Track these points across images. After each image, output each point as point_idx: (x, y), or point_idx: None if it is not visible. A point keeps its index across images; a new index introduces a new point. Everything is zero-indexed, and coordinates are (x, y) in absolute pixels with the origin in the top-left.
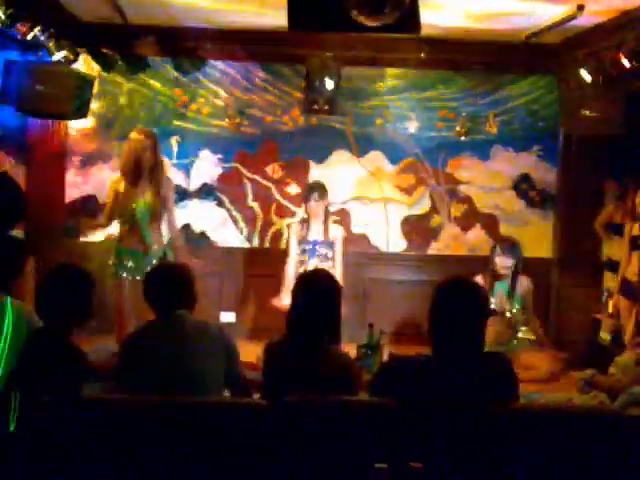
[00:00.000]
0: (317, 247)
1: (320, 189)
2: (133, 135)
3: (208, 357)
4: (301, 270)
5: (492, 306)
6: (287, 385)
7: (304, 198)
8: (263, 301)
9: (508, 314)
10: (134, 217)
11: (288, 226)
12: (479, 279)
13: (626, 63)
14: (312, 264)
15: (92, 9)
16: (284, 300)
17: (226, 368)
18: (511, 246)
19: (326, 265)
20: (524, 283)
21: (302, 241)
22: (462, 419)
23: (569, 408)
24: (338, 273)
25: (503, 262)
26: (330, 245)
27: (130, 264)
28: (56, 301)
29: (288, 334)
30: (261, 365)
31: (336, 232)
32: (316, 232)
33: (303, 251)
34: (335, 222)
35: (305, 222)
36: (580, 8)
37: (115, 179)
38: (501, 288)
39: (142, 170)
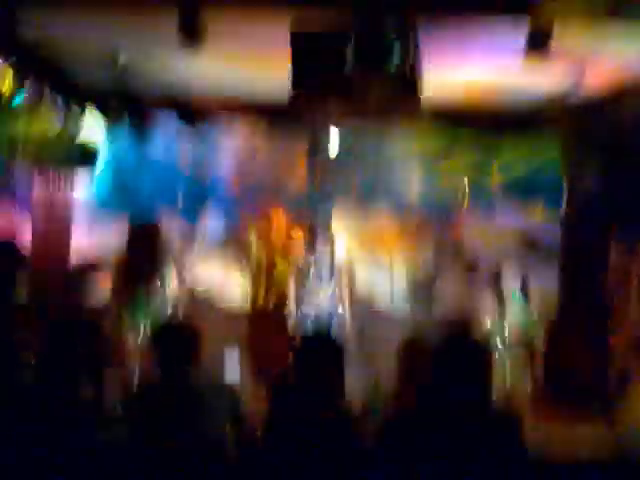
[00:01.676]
0: (324, 270)
1: (323, 220)
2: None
3: (213, 412)
4: (311, 291)
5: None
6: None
7: (310, 238)
8: (268, 354)
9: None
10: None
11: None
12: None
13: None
14: (322, 290)
15: (97, 79)
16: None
17: (231, 416)
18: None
19: (334, 286)
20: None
21: (308, 267)
22: None
23: None
24: (346, 302)
25: (508, 283)
26: (336, 269)
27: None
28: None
29: (294, 387)
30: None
31: (342, 256)
32: (322, 258)
33: (311, 275)
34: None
35: (311, 251)
36: (580, 78)
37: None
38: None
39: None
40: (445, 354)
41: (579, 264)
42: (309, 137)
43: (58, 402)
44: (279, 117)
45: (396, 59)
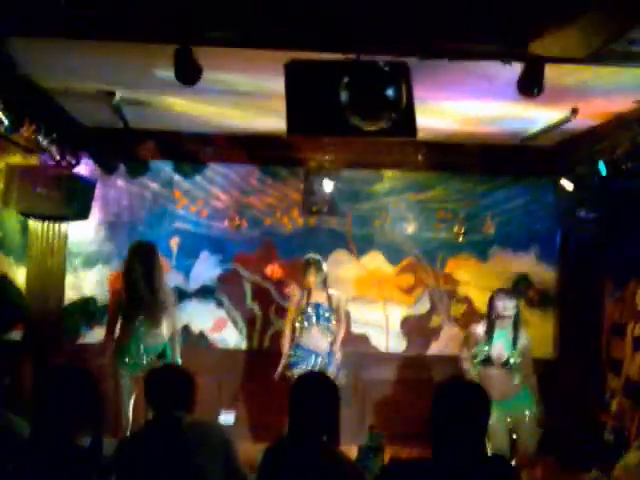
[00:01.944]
0: (320, 310)
1: (316, 262)
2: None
3: (208, 459)
4: (307, 332)
5: (491, 353)
6: None
7: (302, 273)
8: (263, 402)
9: (510, 361)
10: (131, 314)
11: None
12: (479, 328)
13: (620, 164)
14: (316, 326)
15: (94, 115)
16: (281, 367)
17: (226, 470)
18: (511, 290)
19: (326, 331)
20: (524, 337)
21: (304, 308)
22: None
23: None
24: (339, 341)
25: (506, 304)
26: (331, 310)
27: (124, 364)
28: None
29: (287, 436)
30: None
31: (338, 297)
32: (317, 298)
33: (307, 316)
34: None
35: (305, 291)
36: (574, 112)
37: (115, 277)
38: (501, 338)
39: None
40: (446, 401)
41: (574, 315)
42: (304, 180)
43: (51, 451)
44: (275, 158)
45: (391, 95)
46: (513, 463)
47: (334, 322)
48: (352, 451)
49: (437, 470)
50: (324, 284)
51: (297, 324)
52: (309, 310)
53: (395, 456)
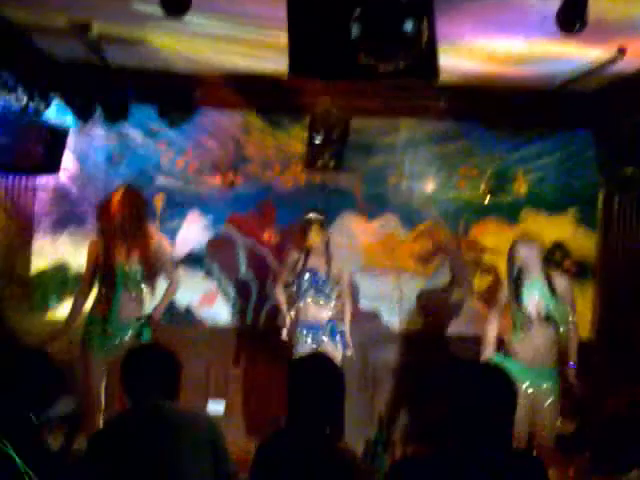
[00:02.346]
0: (316, 279)
1: (319, 221)
2: (116, 193)
3: (193, 454)
4: (300, 301)
5: (529, 310)
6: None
7: (302, 232)
8: (259, 389)
9: (550, 309)
10: (109, 282)
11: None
12: (505, 289)
13: None
14: (312, 298)
15: (68, 52)
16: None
17: (214, 467)
18: (531, 235)
19: (323, 304)
20: (561, 280)
21: (299, 273)
22: None
23: None
24: (347, 320)
25: (528, 252)
26: (329, 282)
27: (96, 341)
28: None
29: (285, 429)
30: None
31: (342, 267)
32: (317, 264)
33: (300, 283)
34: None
35: (303, 253)
36: (621, 52)
37: (94, 241)
38: (535, 290)
39: (124, 231)
40: (467, 388)
41: (617, 289)
42: (309, 128)
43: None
44: (273, 102)
45: (409, 30)
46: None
47: (334, 298)
48: (358, 446)
49: (457, 468)
50: (326, 249)
51: (291, 295)
52: (304, 277)
53: (408, 452)
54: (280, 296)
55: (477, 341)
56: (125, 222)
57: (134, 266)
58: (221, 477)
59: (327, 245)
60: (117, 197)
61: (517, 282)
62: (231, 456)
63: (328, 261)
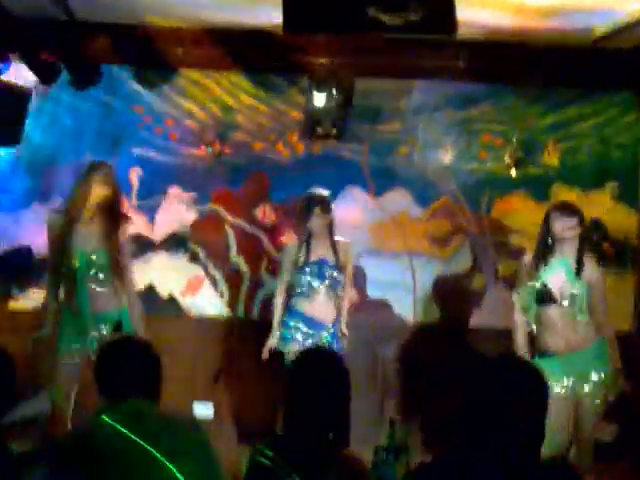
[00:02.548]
0: (325, 269)
1: (323, 202)
2: (89, 173)
3: (177, 463)
4: (308, 299)
5: (552, 291)
6: None
7: (302, 215)
8: (251, 389)
9: (574, 292)
10: (73, 273)
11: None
12: (527, 258)
13: None
14: (322, 292)
15: (28, 3)
16: (271, 344)
17: (201, 474)
18: (574, 208)
19: (335, 293)
20: (592, 267)
21: (303, 265)
22: None
23: None
24: (344, 312)
25: (564, 224)
26: (337, 268)
27: (68, 339)
28: None
29: (282, 434)
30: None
31: (346, 249)
32: (321, 251)
33: (307, 278)
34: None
35: (305, 243)
36: None
37: (54, 218)
38: (561, 267)
39: (91, 210)
40: (491, 385)
41: None
42: (307, 92)
43: None
44: (266, 61)
45: None
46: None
47: (342, 285)
48: (367, 454)
49: (478, 477)
50: (329, 231)
51: (294, 289)
52: (310, 269)
53: (424, 460)
54: (277, 307)
55: (501, 334)
56: (102, 206)
57: (101, 252)
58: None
59: (331, 228)
60: (95, 178)
61: (545, 256)
62: (221, 465)
63: (333, 246)
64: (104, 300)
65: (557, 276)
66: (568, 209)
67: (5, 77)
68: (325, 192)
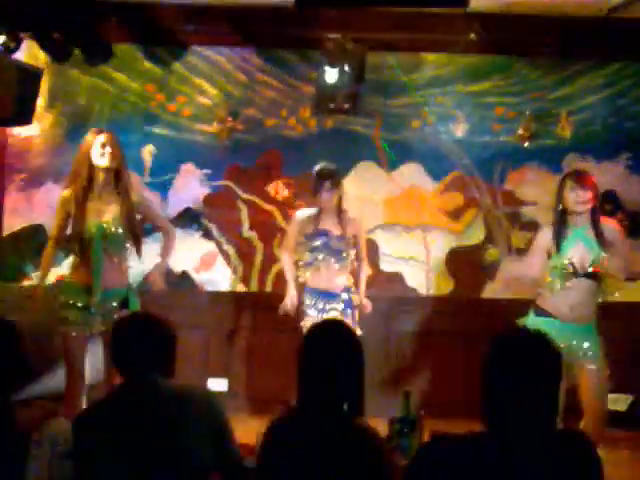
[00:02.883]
0: (332, 241)
1: (332, 176)
2: (88, 136)
3: (192, 434)
4: (314, 270)
5: (575, 265)
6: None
7: (313, 189)
8: (265, 363)
9: (596, 262)
10: (87, 244)
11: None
12: (545, 233)
13: None
14: (325, 263)
15: None
16: (287, 303)
17: (216, 448)
18: (586, 176)
19: (341, 265)
20: (609, 226)
21: (310, 235)
22: None
23: None
24: (362, 286)
25: (578, 195)
26: (344, 240)
27: (74, 311)
28: None
29: (297, 406)
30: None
31: (356, 226)
32: (330, 224)
33: (312, 249)
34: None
35: (314, 214)
36: None
37: (65, 194)
38: (579, 238)
39: (99, 180)
40: (504, 359)
41: None
42: (319, 67)
43: None
44: (277, 36)
45: None
46: None
47: (350, 262)
48: (381, 425)
49: (493, 450)
50: (338, 208)
51: (300, 258)
52: (317, 242)
53: (437, 431)
54: (285, 265)
55: (515, 306)
56: (108, 173)
57: (116, 225)
58: (225, 462)
59: (340, 203)
60: (98, 141)
61: (562, 226)
62: (236, 439)
63: (341, 221)
64: (114, 276)
65: (576, 248)
66: (582, 181)
67: (18, 56)
68: (333, 166)
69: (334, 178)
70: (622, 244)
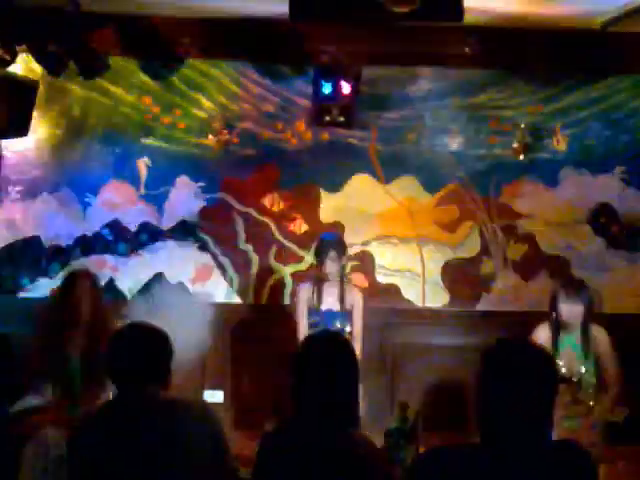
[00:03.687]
0: (332, 320)
1: (337, 245)
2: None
3: (189, 448)
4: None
5: (562, 370)
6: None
7: (317, 257)
8: (260, 375)
9: (582, 371)
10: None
11: (293, 292)
12: (542, 331)
13: None
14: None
15: None
16: None
17: (212, 461)
18: (579, 288)
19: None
20: (599, 336)
21: (312, 311)
22: None
23: None
24: (357, 348)
25: (571, 310)
26: (348, 316)
27: None
28: None
29: (293, 416)
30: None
31: (355, 298)
32: (330, 299)
33: (311, 325)
34: (354, 285)
35: (317, 285)
36: None
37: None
38: (569, 344)
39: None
40: (497, 370)
41: None
42: (314, 80)
43: None
44: (272, 50)
45: None
46: None
47: (349, 329)
48: (377, 438)
49: (488, 460)
50: (341, 276)
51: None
52: (317, 319)
53: (434, 444)
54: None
55: (510, 319)
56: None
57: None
58: (221, 473)
59: (342, 274)
60: (77, 289)
61: (556, 333)
62: (231, 449)
63: (343, 291)
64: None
65: (566, 353)
66: (573, 291)
67: (13, 69)
68: (339, 234)
69: (340, 247)
70: (611, 356)
